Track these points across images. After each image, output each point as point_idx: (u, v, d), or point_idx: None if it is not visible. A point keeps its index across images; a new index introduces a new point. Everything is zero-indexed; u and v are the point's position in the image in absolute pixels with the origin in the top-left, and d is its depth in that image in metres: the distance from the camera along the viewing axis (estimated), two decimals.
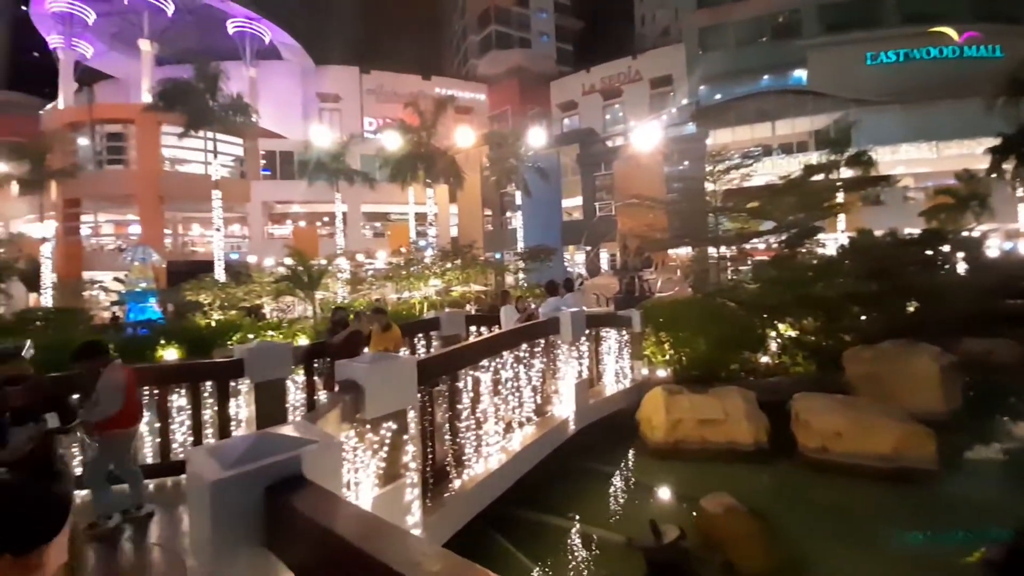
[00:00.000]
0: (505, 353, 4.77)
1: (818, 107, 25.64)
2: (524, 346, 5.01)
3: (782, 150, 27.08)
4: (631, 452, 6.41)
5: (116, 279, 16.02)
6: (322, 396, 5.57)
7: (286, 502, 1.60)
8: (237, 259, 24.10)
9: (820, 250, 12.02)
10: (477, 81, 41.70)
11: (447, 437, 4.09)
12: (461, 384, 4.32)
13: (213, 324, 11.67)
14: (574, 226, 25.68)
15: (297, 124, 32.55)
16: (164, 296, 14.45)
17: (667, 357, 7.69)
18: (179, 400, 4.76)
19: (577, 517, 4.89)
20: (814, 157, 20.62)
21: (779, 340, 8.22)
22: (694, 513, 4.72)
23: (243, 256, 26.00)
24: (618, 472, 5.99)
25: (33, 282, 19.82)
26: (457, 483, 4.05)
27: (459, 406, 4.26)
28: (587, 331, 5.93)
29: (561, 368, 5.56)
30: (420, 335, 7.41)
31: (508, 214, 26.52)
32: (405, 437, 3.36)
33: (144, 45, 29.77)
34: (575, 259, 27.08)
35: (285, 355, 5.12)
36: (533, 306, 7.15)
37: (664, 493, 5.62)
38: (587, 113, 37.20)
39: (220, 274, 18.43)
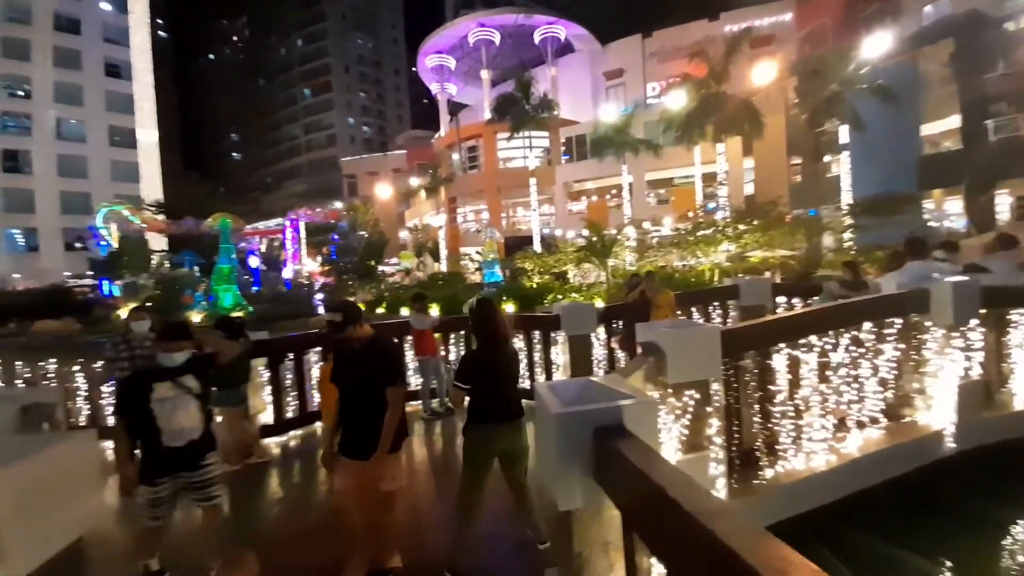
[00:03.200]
0: (837, 332, 3.76)
1: None
2: (868, 326, 3.79)
3: None
4: None
5: (477, 252, 21.57)
6: (619, 354, 5.94)
7: (612, 446, 1.74)
8: (548, 233, 28.26)
9: None
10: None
11: (756, 419, 3.61)
12: (773, 362, 3.70)
13: (534, 286, 14.19)
14: (943, 161, 17.66)
15: (587, 108, 34.63)
16: (504, 264, 18.55)
17: None
18: (518, 343, 6.04)
19: (948, 564, 3.49)
20: None
21: None
22: None
23: (552, 230, 30.30)
24: None
25: (435, 255, 29.25)
26: (768, 473, 3.55)
27: (771, 387, 3.68)
28: (980, 311, 3.96)
29: (932, 361, 3.95)
30: (715, 304, 6.77)
31: (828, 158, 20.64)
32: (708, 409, 3.16)
33: (484, 74, 37.79)
34: (944, 208, 18.79)
35: (591, 314, 5.68)
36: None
37: None
38: None
39: (537, 246, 22.17)
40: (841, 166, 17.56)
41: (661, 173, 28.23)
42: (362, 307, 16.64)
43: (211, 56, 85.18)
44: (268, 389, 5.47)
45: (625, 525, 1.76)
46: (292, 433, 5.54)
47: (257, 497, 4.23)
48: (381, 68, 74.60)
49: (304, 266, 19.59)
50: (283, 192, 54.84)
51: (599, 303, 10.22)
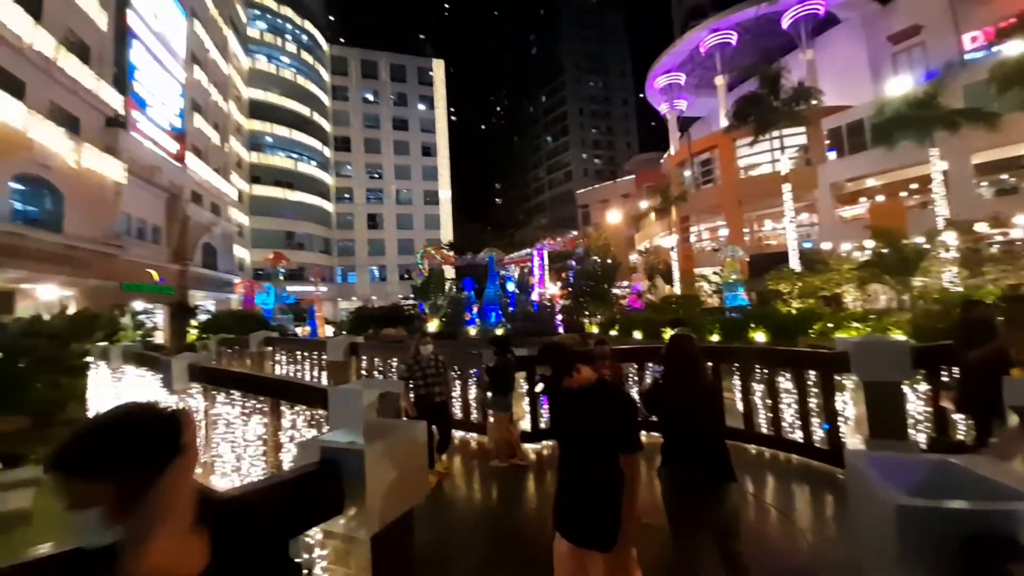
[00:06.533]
0: None
1: None
2: None
3: None
4: None
5: (715, 273, 19.39)
6: (955, 418, 4.11)
7: (1006, 571, 1.16)
8: (810, 247, 22.91)
9: None
10: None
11: None
12: None
13: (793, 312, 11.61)
14: None
15: (864, 86, 26.76)
16: (749, 286, 15.97)
17: None
18: (785, 383, 4.96)
19: None
20: None
21: None
22: None
23: (815, 244, 24.39)
24: None
25: (667, 277, 27.80)
26: None
27: None
28: None
29: None
30: None
31: None
32: None
33: (718, 80, 34.34)
34: None
35: (902, 355, 4.14)
36: None
37: None
38: None
39: (795, 263, 18.17)
40: None
41: (999, 152, 19.06)
42: (593, 328, 17.14)
43: (483, 126, 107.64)
44: (527, 400, 6.17)
45: None
46: (544, 443, 6.03)
47: (521, 493, 4.78)
48: (610, 103, 77.67)
49: (547, 290, 21.89)
50: (531, 226, 63.24)
51: (899, 337, 7.47)
